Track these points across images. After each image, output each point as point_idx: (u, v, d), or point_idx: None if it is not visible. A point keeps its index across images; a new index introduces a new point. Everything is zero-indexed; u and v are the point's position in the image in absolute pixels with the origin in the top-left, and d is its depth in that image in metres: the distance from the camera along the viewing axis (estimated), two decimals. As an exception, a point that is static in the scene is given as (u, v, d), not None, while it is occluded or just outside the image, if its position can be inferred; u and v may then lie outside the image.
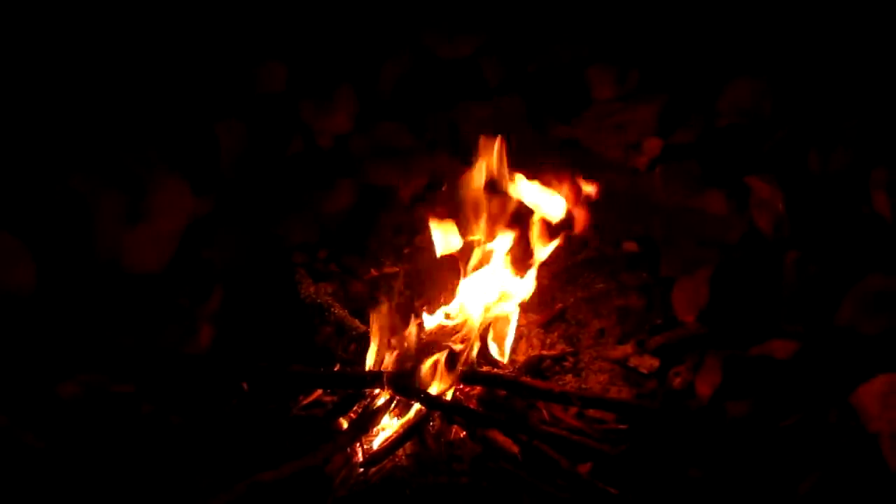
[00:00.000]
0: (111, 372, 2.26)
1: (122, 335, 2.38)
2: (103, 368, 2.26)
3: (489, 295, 2.45)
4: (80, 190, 2.44)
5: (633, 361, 2.49)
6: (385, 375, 2.26)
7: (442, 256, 2.53)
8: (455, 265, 2.51)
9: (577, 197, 2.51)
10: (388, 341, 2.38)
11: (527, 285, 2.48)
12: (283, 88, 3.06)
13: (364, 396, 2.30)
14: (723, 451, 2.09)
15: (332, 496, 2.05)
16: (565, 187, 2.50)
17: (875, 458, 1.92)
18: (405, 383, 2.23)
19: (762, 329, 2.39)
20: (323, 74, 3.11)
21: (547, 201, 2.46)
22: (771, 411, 2.13)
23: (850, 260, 2.35)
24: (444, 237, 2.51)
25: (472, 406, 2.30)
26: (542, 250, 2.48)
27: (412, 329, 2.36)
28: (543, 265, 2.53)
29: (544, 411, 2.28)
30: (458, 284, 2.50)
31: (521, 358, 2.53)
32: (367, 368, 2.36)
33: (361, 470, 2.11)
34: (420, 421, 2.21)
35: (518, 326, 2.57)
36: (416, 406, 2.23)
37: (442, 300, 2.52)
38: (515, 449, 2.13)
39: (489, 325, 2.45)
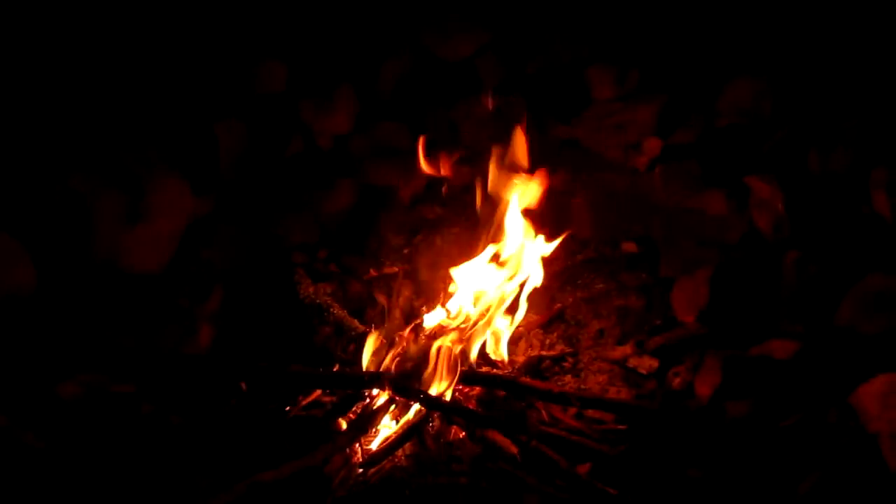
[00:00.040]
0: (111, 372, 2.26)
1: (121, 335, 2.38)
2: (103, 368, 2.26)
3: (488, 295, 2.45)
4: (80, 190, 2.44)
5: (632, 362, 2.49)
6: (384, 376, 2.26)
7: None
8: (454, 265, 2.51)
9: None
10: (387, 342, 2.39)
11: (534, 278, 2.49)
12: (283, 88, 3.06)
13: (363, 397, 2.30)
14: (722, 452, 2.09)
15: (332, 496, 2.05)
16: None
17: (875, 459, 1.92)
18: (404, 384, 2.23)
19: (762, 329, 2.38)
20: (323, 74, 3.11)
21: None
22: (771, 411, 2.13)
23: (850, 260, 2.35)
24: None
25: (471, 406, 2.30)
26: (543, 248, 2.48)
27: (411, 329, 2.37)
28: (544, 265, 2.53)
29: (543, 412, 2.28)
30: (457, 285, 2.49)
31: (520, 358, 2.53)
32: (363, 368, 2.36)
33: (361, 470, 2.11)
34: (419, 421, 2.21)
35: (517, 327, 2.57)
36: (416, 406, 2.23)
37: (441, 300, 2.51)
38: (514, 449, 2.13)
39: (489, 325, 2.45)
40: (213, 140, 2.81)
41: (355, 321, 2.61)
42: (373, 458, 2.12)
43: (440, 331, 2.38)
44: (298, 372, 2.39)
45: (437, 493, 2.06)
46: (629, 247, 2.91)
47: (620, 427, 2.23)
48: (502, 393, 2.33)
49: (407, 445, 2.18)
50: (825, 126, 2.57)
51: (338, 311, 2.66)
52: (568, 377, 2.49)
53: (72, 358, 2.24)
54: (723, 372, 2.25)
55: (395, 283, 2.86)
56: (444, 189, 3.16)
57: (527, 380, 2.37)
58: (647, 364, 2.46)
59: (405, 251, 3.01)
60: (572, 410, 2.29)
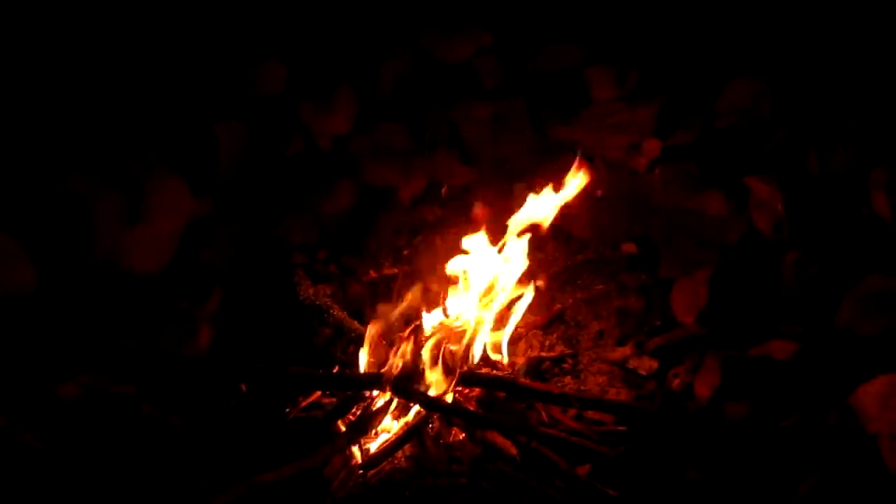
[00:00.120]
0: (111, 373, 2.26)
1: (121, 336, 2.38)
2: (103, 369, 2.26)
3: (487, 296, 2.45)
4: (80, 190, 2.44)
5: (632, 363, 2.49)
6: (384, 377, 2.26)
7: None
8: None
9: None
10: (387, 343, 2.38)
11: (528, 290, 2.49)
12: (283, 89, 3.05)
13: (363, 398, 2.30)
14: (722, 453, 2.09)
15: (331, 498, 2.05)
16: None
17: (874, 459, 1.92)
18: (404, 385, 2.23)
19: (761, 330, 2.38)
20: (322, 75, 3.11)
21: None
22: (770, 412, 2.13)
23: (850, 261, 2.35)
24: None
25: (471, 408, 2.30)
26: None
27: (411, 331, 2.36)
28: (543, 266, 2.54)
29: (543, 413, 2.28)
30: (456, 285, 2.50)
31: (520, 359, 2.53)
32: (361, 370, 2.36)
33: (360, 472, 2.11)
34: (419, 423, 2.21)
35: (517, 328, 2.57)
36: (415, 408, 2.23)
37: (441, 301, 2.51)
38: (514, 450, 2.13)
39: (488, 325, 2.45)
40: (212, 140, 2.81)
41: (355, 322, 2.61)
42: (372, 460, 2.12)
43: (440, 332, 2.38)
44: (298, 373, 2.38)
45: (436, 494, 2.06)
46: (629, 248, 2.92)
47: (620, 428, 2.23)
48: (502, 394, 2.33)
49: (407, 447, 2.18)
50: (825, 126, 2.57)
51: (338, 312, 2.66)
52: (568, 378, 2.49)
53: (72, 358, 2.24)
54: (722, 373, 2.25)
55: (394, 285, 2.86)
56: (444, 190, 3.16)
57: (526, 381, 2.37)
58: (646, 365, 2.46)
59: (405, 252, 3.01)
60: (572, 412, 2.29)
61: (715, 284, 2.53)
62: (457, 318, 2.41)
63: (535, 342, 2.63)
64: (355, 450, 2.17)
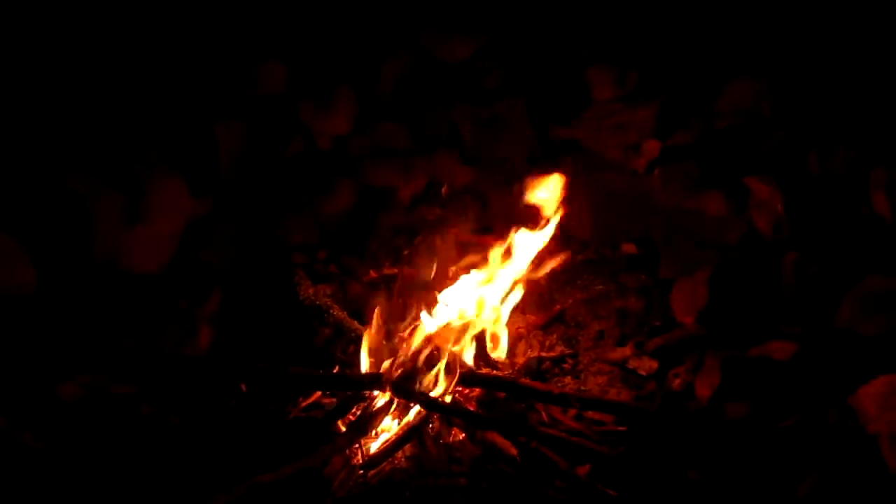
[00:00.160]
0: (111, 373, 2.26)
1: (121, 336, 2.38)
2: (103, 369, 2.26)
3: (487, 295, 2.45)
4: (80, 190, 2.44)
5: (632, 363, 2.49)
6: (384, 377, 2.26)
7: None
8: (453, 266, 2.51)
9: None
10: (387, 343, 2.38)
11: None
12: (283, 89, 3.05)
13: (363, 398, 2.30)
14: (722, 453, 2.09)
15: (331, 498, 2.05)
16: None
17: (874, 460, 1.92)
18: (404, 385, 2.23)
19: (761, 330, 2.38)
20: (322, 75, 3.11)
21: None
22: (770, 412, 2.13)
23: (850, 261, 2.35)
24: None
25: (471, 408, 2.30)
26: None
27: (411, 331, 2.36)
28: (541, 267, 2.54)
29: (543, 413, 2.28)
30: (456, 285, 2.50)
31: (520, 360, 2.53)
32: (362, 370, 2.36)
33: (360, 472, 2.11)
34: (419, 423, 2.21)
35: (517, 328, 2.57)
36: (416, 408, 2.23)
37: (440, 301, 2.51)
38: (514, 451, 2.13)
39: (487, 325, 2.45)
40: (212, 140, 2.81)
41: (355, 322, 2.60)
42: (372, 460, 2.12)
43: (440, 332, 2.38)
44: (298, 373, 2.38)
45: (436, 494, 2.06)
46: (629, 248, 2.92)
47: (620, 428, 2.23)
48: (502, 394, 2.33)
49: (407, 447, 2.18)
50: (825, 127, 2.57)
51: (338, 312, 2.66)
52: (568, 378, 2.49)
53: (72, 359, 2.24)
54: (722, 373, 2.25)
55: (394, 285, 2.85)
56: (444, 190, 3.16)
57: (527, 381, 2.37)
58: (646, 365, 2.46)
59: (405, 252, 3.01)
60: (572, 412, 2.29)
61: (715, 284, 2.53)
62: (457, 318, 2.41)
63: (535, 342, 2.63)
64: (355, 450, 2.17)
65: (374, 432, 2.23)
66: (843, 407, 2.05)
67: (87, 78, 2.59)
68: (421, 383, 2.24)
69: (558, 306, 2.75)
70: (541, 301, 2.76)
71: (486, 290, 2.47)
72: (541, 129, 3.17)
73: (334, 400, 2.35)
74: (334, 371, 2.47)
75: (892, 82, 2.50)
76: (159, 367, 2.33)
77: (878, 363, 2.06)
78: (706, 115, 2.89)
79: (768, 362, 2.27)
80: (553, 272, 2.83)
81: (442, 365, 2.25)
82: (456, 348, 2.30)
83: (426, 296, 2.52)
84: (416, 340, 2.35)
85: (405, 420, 2.23)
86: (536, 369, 2.50)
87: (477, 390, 2.35)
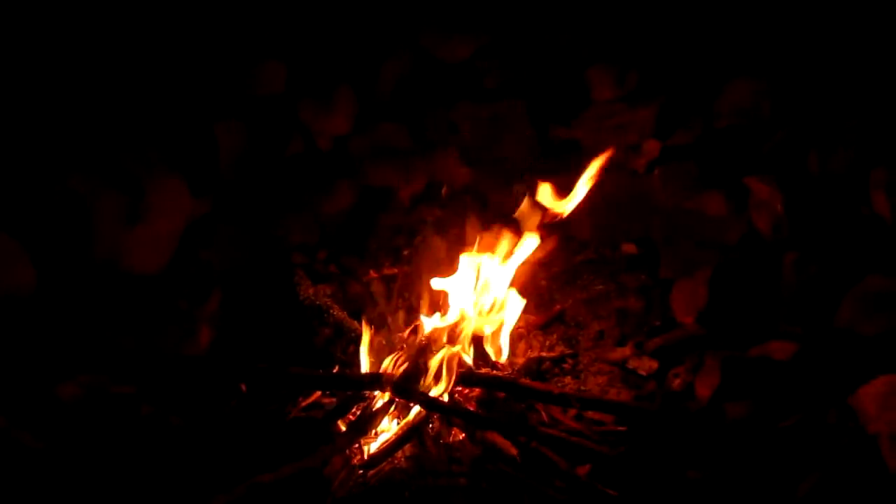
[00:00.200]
0: (111, 373, 2.26)
1: (121, 336, 2.38)
2: (103, 369, 2.26)
3: (486, 295, 2.45)
4: (80, 190, 2.44)
5: (632, 363, 2.49)
6: (384, 377, 2.26)
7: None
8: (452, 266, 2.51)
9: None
10: (386, 343, 2.38)
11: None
12: (283, 89, 3.05)
13: (363, 398, 2.30)
14: (722, 453, 2.09)
15: (331, 498, 2.05)
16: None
17: (874, 460, 1.92)
18: (404, 385, 2.23)
19: (761, 330, 2.39)
20: (322, 75, 3.11)
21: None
22: (770, 412, 2.13)
23: (850, 261, 2.35)
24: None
25: (471, 408, 2.30)
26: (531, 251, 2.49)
27: (411, 331, 2.36)
28: (541, 266, 2.54)
29: (543, 413, 2.28)
30: (455, 285, 2.49)
31: (520, 360, 2.53)
32: (362, 370, 2.36)
33: (360, 472, 2.11)
34: (419, 423, 2.21)
35: (517, 328, 2.57)
36: (416, 408, 2.23)
37: (441, 301, 2.52)
38: (514, 451, 2.13)
39: (487, 325, 2.45)
40: (212, 140, 2.81)
41: (355, 322, 2.60)
42: (372, 460, 2.12)
43: (439, 332, 2.38)
44: (298, 373, 2.38)
45: (436, 494, 2.06)
46: (629, 248, 2.92)
47: (620, 428, 2.23)
48: (502, 394, 2.33)
49: (407, 447, 2.18)
50: (825, 127, 2.57)
51: (338, 312, 2.66)
52: (568, 378, 2.49)
53: (71, 359, 2.24)
54: (722, 373, 2.25)
55: (394, 285, 2.85)
56: (443, 190, 3.16)
57: (526, 381, 2.36)
58: (646, 365, 2.46)
59: (405, 252, 3.01)
60: (572, 412, 2.29)
61: (715, 285, 2.53)
62: (456, 318, 2.41)
63: (535, 342, 2.63)
64: (355, 450, 2.16)
65: (373, 432, 2.23)
66: (843, 407, 2.05)
67: (88, 78, 2.59)
68: (421, 383, 2.24)
69: (558, 306, 2.75)
70: (541, 301, 2.76)
71: (486, 290, 2.47)
72: (541, 130, 3.18)
73: (334, 400, 2.35)
74: (334, 371, 2.47)
75: (891, 82, 2.50)
76: (159, 367, 2.33)
77: (878, 363, 2.06)
78: (706, 115, 2.89)
79: (768, 362, 2.27)
80: (553, 272, 2.84)
81: (442, 365, 2.25)
82: (456, 348, 2.30)
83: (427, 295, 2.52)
84: (416, 340, 2.35)
85: (405, 420, 2.23)
86: (536, 369, 2.50)
87: (477, 390, 2.35)
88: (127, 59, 2.67)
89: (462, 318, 2.39)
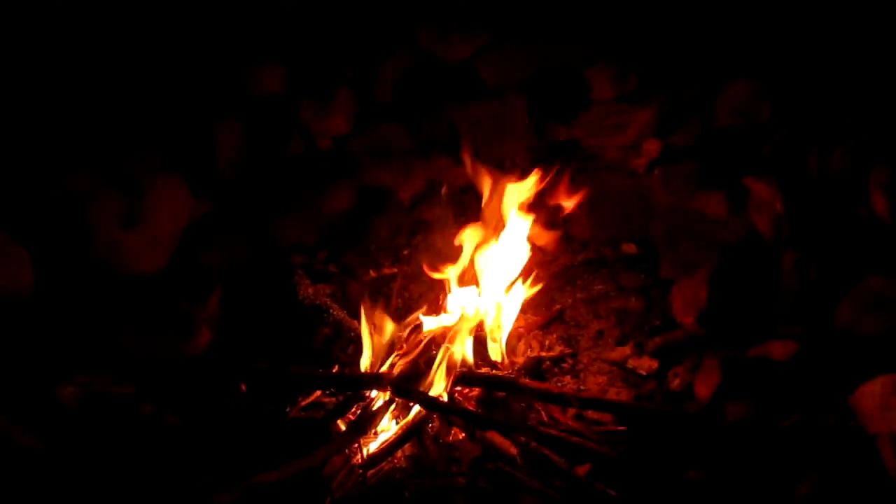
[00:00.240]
0: (111, 373, 2.26)
1: (120, 337, 2.38)
2: (102, 370, 2.26)
3: (485, 295, 2.45)
4: (79, 190, 2.44)
5: (631, 363, 2.49)
6: (384, 377, 2.26)
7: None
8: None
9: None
10: (386, 343, 2.38)
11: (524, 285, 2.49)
12: (283, 90, 3.06)
13: (363, 398, 2.30)
14: (722, 453, 2.09)
15: (331, 498, 2.05)
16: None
17: (874, 460, 1.92)
18: (404, 385, 2.23)
19: (761, 330, 2.39)
20: (322, 76, 3.11)
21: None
22: (770, 412, 2.13)
23: (850, 261, 2.35)
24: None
25: (470, 407, 2.30)
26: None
27: (410, 330, 2.36)
28: (541, 265, 2.54)
29: (543, 413, 2.28)
30: (455, 285, 2.49)
31: (519, 359, 2.52)
32: (361, 370, 2.36)
33: (360, 471, 2.11)
34: (419, 423, 2.21)
35: (517, 328, 2.57)
36: (415, 408, 2.23)
37: (440, 301, 2.52)
38: (514, 450, 2.13)
39: (486, 325, 2.45)
40: (211, 140, 2.81)
41: (355, 322, 2.60)
42: (372, 460, 2.12)
43: (439, 332, 2.38)
44: (298, 373, 2.38)
45: (436, 494, 2.06)
46: (628, 248, 2.92)
47: (620, 428, 2.23)
48: (502, 394, 2.33)
49: (406, 447, 2.18)
50: (824, 127, 2.57)
51: (337, 312, 2.66)
52: (567, 378, 2.49)
53: (71, 359, 2.23)
54: (722, 373, 2.25)
55: (394, 284, 2.86)
56: (443, 190, 3.16)
57: (526, 381, 2.36)
58: (646, 365, 2.46)
59: (404, 252, 3.01)
60: (572, 411, 2.28)
61: (714, 285, 2.53)
62: (456, 318, 2.41)
63: (534, 342, 2.62)
64: (355, 449, 2.16)
65: (373, 432, 2.23)
66: (842, 407, 2.05)
67: (87, 78, 2.58)
68: (421, 383, 2.24)
69: (558, 306, 2.75)
70: (541, 301, 2.76)
71: (486, 290, 2.47)
72: (540, 130, 3.17)
73: (334, 399, 2.34)
74: (334, 371, 2.47)
75: (890, 82, 2.50)
76: (159, 368, 2.33)
77: (878, 363, 2.06)
78: (706, 115, 2.89)
79: (768, 362, 2.27)
80: (553, 272, 2.84)
81: (442, 364, 2.25)
82: (455, 348, 2.30)
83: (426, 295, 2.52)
84: (416, 340, 2.35)
85: (405, 420, 2.23)
86: (536, 369, 2.49)
87: (476, 390, 2.35)
88: (126, 60, 2.67)
89: (462, 318, 2.39)
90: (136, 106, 2.66)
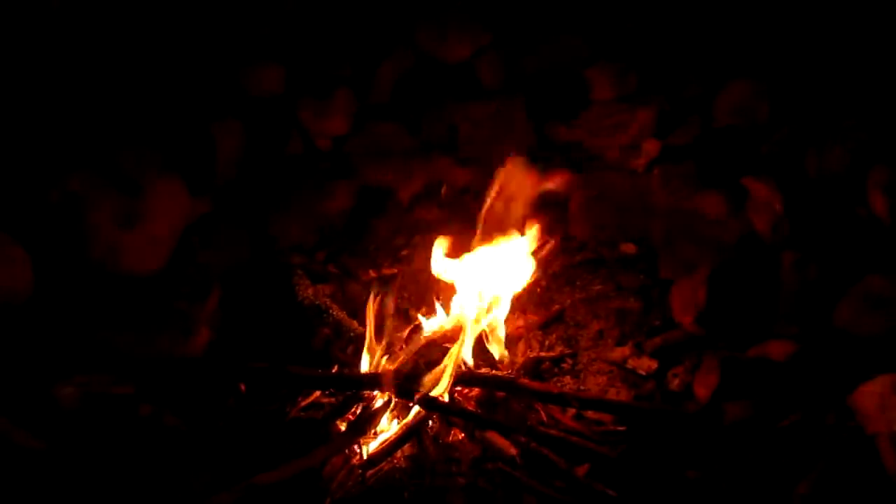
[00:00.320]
0: (110, 374, 2.26)
1: (119, 337, 2.37)
2: (101, 370, 2.25)
3: (484, 295, 2.45)
4: (78, 191, 2.44)
5: (631, 363, 2.49)
6: (383, 377, 2.26)
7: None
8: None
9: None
10: (386, 343, 2.38)
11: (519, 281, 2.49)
12: (282, 90, 3.05)
13: (362, 398, 2.30)
14: (721, 453, 2.09)
15: (330, 498, 2.05)
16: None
17: (873, 460, 1.92)
18: (404, 385, 2.23)
19: (760, 330, 2.39)
20: (321, 76, 3.11)
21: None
22: (769, 412, 2.13)
23: (849, 261, 2.35)
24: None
25: (470, 407, 2.30)
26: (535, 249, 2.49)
27: (410, 330, 2.36)
28: (539, 265, 2.54)
29: (543, 413, 2.28)
30: (455, 285, 2.49)
31: (519, 359, 2.52)
32: (361, 370, 2.36)
33: (359, 472, 2.11)
34: (418, 423, 2.21)
35: (517, 328, 2.57)
36: (415, 408, 2.23)
37: (440, 301, 2.51)
38: (514, 450, 2.13)
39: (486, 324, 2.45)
40: (210, 140, 2.81)
41: (354, 322, 2.60)
42: (372, 460, 2.12)
43: (439, 332, 2.38)
44: (297, 373, 2.38)
45: (435, 494, 2.06)
46: (628, 248, 2.92)
47: (620, 428, 2.23)
48: (501, 394, 2.33)
49: (406, 447, 2.18)
50: (823, 127, 2.57)
51: (337, 312, 2.65)
52: (567, 378, 2.49)
53: (69, 360, 2.23)
54: (721, 373, 2.25)
55: (393, 284, 2.85)
56: (443, 190, 3.16)
57: (526, 381, 2.36)
58: (645, 365, 2.46)
59: (404, 252, 3.01)
60: (571, 411, 2.28)
61: (714, 285, 2.53)
62: (455, 318, 2.41)
63: (534, 342, 2.62)
64: (355, 449, 2.16)
65: (373, 432, 2.22)
66: (841, 407, 2.05)
67: (86, 78, 2.58)
68: (420, 383, 2.24)
69: (558, 306, 2.75)
70: (540, 301, 2.76)
71: (485, 290, 2.47)
72: (540, 130, 3.18)
73: (333, 400, 2.34)
74: (333, 371, 2.47)
75: (889, 82, 2.50)
76: (158, 368, 2.32)
77: (878, 363, 2.07)
78: (705, 116, 2.90)
79: (767, 362, 2.27)
80: (552, 272, 2.84)
81: (441, 365, 2.25)
82: (455, 348, 2.30)
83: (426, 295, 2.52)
84: (416, 340, 2.34)
85: (404, 420, 2.23)
86: (536, 369, 2.50)
87: (476, 390, 2.35)
88: (125, 60, 2.67)
89: (462, 318, 2.39)
90: (134, 106, 2.66)
